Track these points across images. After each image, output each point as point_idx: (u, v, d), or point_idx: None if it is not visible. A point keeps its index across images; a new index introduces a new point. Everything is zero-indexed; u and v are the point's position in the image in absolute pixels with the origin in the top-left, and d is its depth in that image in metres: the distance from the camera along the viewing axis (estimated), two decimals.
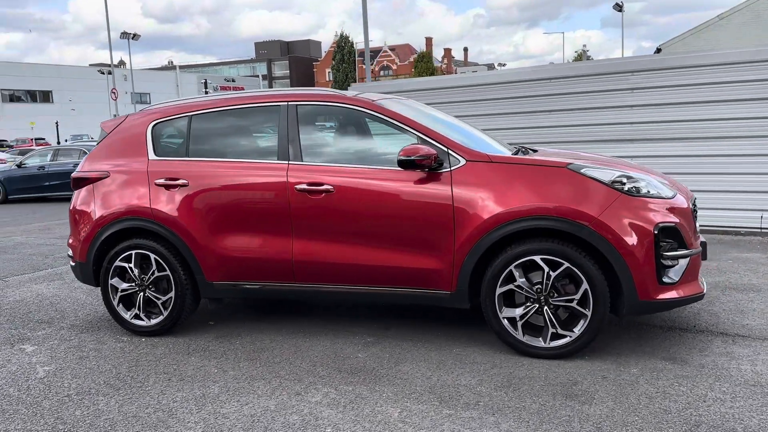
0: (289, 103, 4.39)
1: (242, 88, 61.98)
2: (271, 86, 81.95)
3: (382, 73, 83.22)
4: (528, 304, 3.82)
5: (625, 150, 8.00)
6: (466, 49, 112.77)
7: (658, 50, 25.42)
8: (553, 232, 3.76)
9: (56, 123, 41.17)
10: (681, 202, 3.88)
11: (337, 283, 4.20)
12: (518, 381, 3.54)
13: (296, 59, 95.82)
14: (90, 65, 75.18)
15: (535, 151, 5.04)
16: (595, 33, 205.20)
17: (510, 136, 8.76)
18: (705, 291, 3.93)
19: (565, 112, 8.49)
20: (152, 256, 4.49)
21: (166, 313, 4.53)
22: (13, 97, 48.59)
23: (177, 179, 4.45)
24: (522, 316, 3.84)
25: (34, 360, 4.22)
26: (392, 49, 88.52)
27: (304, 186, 4.16)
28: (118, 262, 4.59)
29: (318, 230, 4.19)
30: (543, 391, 3.40)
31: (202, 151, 4.56)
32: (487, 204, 3.84)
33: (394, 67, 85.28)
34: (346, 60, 64.83)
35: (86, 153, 15.61)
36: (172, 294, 4.49)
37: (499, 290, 3.85)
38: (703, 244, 4.04)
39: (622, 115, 8.12)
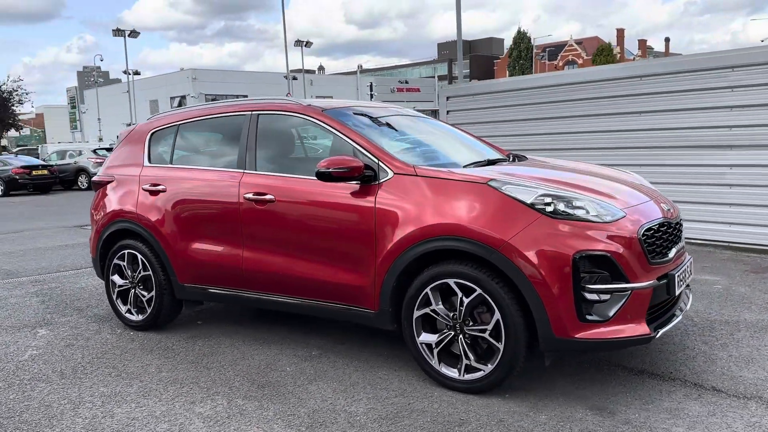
0: (252, 112, 4.46)
1: (417, 90, 63.21)
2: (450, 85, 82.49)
3: (566, 68, 79.79)
4: (445, 330, 3.52)
5: (725, 158, 6.98)
6: (667, 40, 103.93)
7: None
8: (470, 255, 3.42)
9: None
10: (625, 227, 3.30)
11: (279, 293, 4.19)
12: (407, 414, 3.28)
13: (477, 58, 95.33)
14: (292, 71, 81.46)
15: (523, 159, 4.63)
16: None
17: (593, 141, 8.07)
18: (655, 334, 3.31)
19: (656, 114, 7.58)
20: (139, 256, 4.82)
21: (149, 311, 4.84)
22: (213, 101, 54.05)
23: (158, 185, 4.73)
24: (438, 344, 3.54)
25: (33, 343, 4.74)
26: (578, 42, 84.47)
27: (251, 195, 4.21)
28: (116, 260, 4.99)
29: (262, 239, 4.22)
30: (423, 427, 3.12)
31: (183, 159, 4.80)
32: (405, 221, 3.60)
33: (580, 61, 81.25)
34: (524, 56, 63.16)
35: None
36: (153, 293, 4.78)
37: (416, 313, 3.59)
38: (669, 278, 3.41)
39: (720, 117, 7.06)
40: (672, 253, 3.54)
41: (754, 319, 4.59)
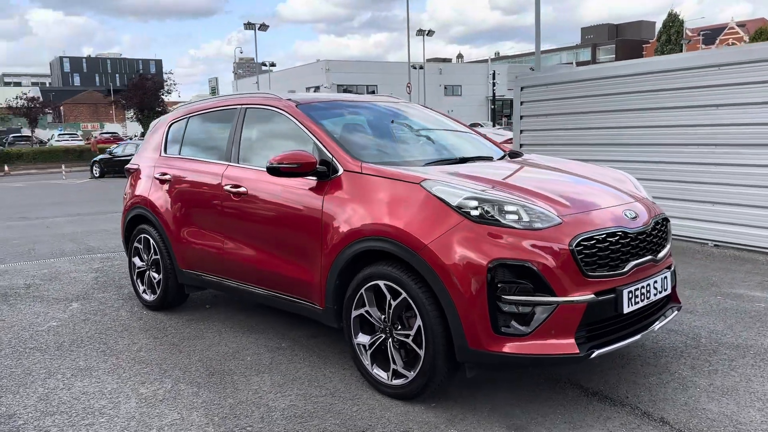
0: (242, 106, 4.58)
1: None
2: None
3: None
4: (378, 333, 3.44)
5: None
6: None
7: None
8: (397, 257, 3.30)
9: None
10: (556, 236, 3.02)
11: (251, 283, 4.28)
12: (322, 414, 3.24)
13: (624, 42, 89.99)
14: (428, 60, 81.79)
15: (518, 155, 4.39)
16: None
17: (676, 136, 7.41)
18: (588, 354, 3.01)
19: (749, 108, 6.79)
20: (151, 241, 5.14)
21: (158, 292, 5.15)
22: (347, 91, 55.82)
23: (166, 174, 5.01)
24: (370, 345, 3.47)
25: (59, 315, 5.21)
26: (741, 24, 77.00)
27: (229, 187, 4.33)
28: (135, 243, 5.36)
29: (237, 230, 4.33)
30: (326, 430, 3.08)
31: (187, 150, 5.04)
32: (345, 219, 3.55)
33: (742, 44, 74.18)
34: (673, 41, 58.67)
35: None
36: (161, 276, 5.08)
37: (354, 313, 3.53)
38: (617, 293, 3.08)
39: None
40: (628, 267, 3.19)
41: None
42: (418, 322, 3.18)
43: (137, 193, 5.30)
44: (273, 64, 52.27)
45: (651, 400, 3.29)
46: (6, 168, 32.12)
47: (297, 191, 3.85)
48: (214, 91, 65.24)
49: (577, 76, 8.84)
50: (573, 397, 3.36)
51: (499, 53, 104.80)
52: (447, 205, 3.15)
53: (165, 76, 44.98)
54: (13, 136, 49.18)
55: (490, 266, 2.97)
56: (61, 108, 77.84)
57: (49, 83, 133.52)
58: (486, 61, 70.00)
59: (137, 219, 5.32)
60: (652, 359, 3.84)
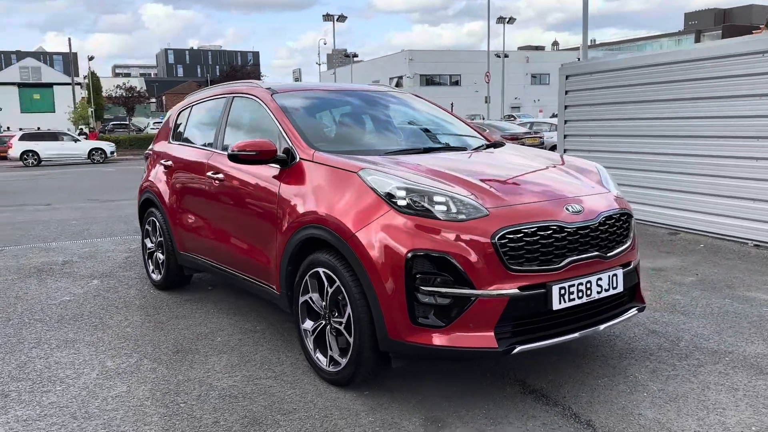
0: (230, 95, 4.72)
1: None
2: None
3: None
4: (320, 320, 3.49)
5: None
6: None
7: None
8: (332, 245, 3.33)
9: (451, 104, 45.70)
10: (479, 228, 2.95)
11: (229, 266, 4.43)
12: (256, 396, 3.33)
13: (732, 28, 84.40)
14: (519, 48, 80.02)
15: (499, 145, 4.32)
16: None
17: (726, 127, 6.99)
18: (509, 349, 2.93)
19: None
20: (157, 223, 5.40)
21: (162, 273, 5.42)
22: (429, 81, 55.66)
23: (168, 161, 5.25)
24: (313, 331, 3.52)
25: (77, 291, 5.58)
26: None
27: (211, 173, 4.49)
28: (146, 225, 5.65)
29: (217, 214, 4.49)
30: (252, 411, 3.17)
31: (189, 137, 5.24)
32: (294, 206, 3.62)
33: None
34: None
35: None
36: (164, 257, 5.34)
37: (301, 299, 3.60)
38: (547, 289, 2.98)
39: None
40: (564, 262, 3.07)
41: (755, 353, 3.74)
42: (348, 309, 3.20)
43: (148, 178, 5.58)
44: (355, 55, 52.91)
45: (589, 402, 3.15)
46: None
47: (262, 178, 3.95)
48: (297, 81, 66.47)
49: (619, 64, 8.44)
50: (510, 393, 3.28)
51: (595, 40, 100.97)
52: (377, 195, 3.14)
53: (251, 68, 46.47)
54: (113, 124, 52.47)
55: (408, 256, 2.94)
56: (164, 98, 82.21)
57: (154, 74, 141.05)
58: (577, 48, 67.48)
59: (147, 203, 5.60)
60: (615, 360, 3.67)
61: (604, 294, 3.22)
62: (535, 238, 3.02)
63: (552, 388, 3.32)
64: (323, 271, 3.36)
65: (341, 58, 70.82)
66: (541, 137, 20.22)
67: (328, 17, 44.59)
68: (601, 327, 3.26)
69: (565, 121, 9.45)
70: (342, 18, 44.93)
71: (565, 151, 9.48)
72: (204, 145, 4.85)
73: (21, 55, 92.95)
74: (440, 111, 4.89)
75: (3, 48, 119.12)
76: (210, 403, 3.26)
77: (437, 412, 3.09)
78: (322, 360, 3.47)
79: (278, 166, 3.84)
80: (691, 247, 6.72)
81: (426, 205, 3.04)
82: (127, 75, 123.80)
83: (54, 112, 55.03)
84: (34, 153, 27.55)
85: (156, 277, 5.55)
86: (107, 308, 5.01)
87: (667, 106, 7.70)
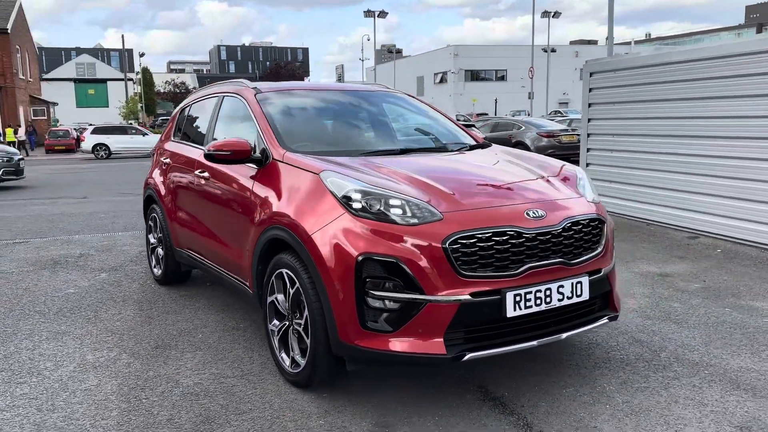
0: (221, 94, 4.77)
1: None
2: None
3: None
4: (284, 320, 3.50)
5: None
6: None
7: None
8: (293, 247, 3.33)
9: (495, 100, 45.24)
10: (430, 233, 2.90)
11: (216, 264, 4.48)
12: (217, 394, 3.37)
13: None
14: (570, 42, 78.28)
15: (484, 147, 4.26)
16: None
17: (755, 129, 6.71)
18: (458, 355, 2.88)
19: None
20: (157, 219, 5.52)
21: (162, 268, 5.53)
22: (474, 76, 55.10)
23: (167, 158, 5.35)
24: (278, 332, 3.54)
25: (84, 283, 5.75)
26: None
27: (198, 171, 4.56)
28: (149, 221, 5.78)
29: (203, 212, 4.55)
30: (209, 408, 3.20)
31: (185, 135, 5.32)
32: (263, 207, 3.64)
33: None
34: None
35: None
36: (164, 252, 5.45)
37: (268, 299, 3.62)
38: (500, 295, 2.92)
39: None
40: (522, 269, 2.99)
41: (738, 366, 3.57)
42: (306, 311, 3.20)
43: (151, 174, 5.70)
44: (398, 51, 52.74)
45: (546, 412, 3.07)
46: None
47: (240, 178, 3.98)
48: (339, 78, 66.66)
49: (643, 61, 8.17)
50: (468, 400, 3.22)
51: (650, 34, 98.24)
52: (334, 197, 3.13)
53: (295, 64, 47.04)
54: (162, 118, 53.80)
55: (359, 260, 2.92)
56: None
57: (207, 70, 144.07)
58: (629, 43, 65.83)
59: (149, 199, 5.72)
60: (588, 369, 3.57)
61: (566, 302, 3.12)
62: (489, 244, 2.95)
63: (513, 397, 3.25)
64: (286, 272, 3.37)
65: (387, 54, 70.82)
66: (578, 134, 19.78)
67: (369, 13, 44.55)
68: (564, 335, 3.16)
69: (589, 120, 9.22)
70: (383, 14, 44.78)
71: (588, 150, 9.26)
72: (196, 143, 4.92)
73: (80, 51, 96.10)
74: (432, 111, 4.84)
75: (64, 45, 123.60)
76: (171, 400, 3.31)
77: (389, 417, 3.06)
78: (285, 360, 3.48)
79: (255, 166, 3.86)
80: (707, 252, 6.47)
81: (381, 208, 3.01)
82: (181, 71, 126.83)
83: (107, 107, 56.87)
84: (105, 146, 28.71)
85: (157, 272, 5.67)
86: (105, 302, 5.14)
87: (690, 105, 7.42)
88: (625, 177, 8.49)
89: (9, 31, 37.52)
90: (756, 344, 3.90)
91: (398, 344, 2.91)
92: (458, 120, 28.49)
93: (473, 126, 19.09)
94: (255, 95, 4.27)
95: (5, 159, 14.44)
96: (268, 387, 3.44)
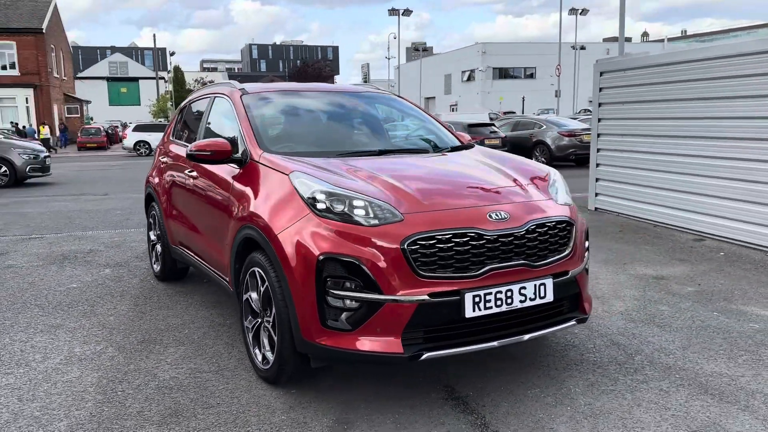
0: (213, 95, 4.88)
1: None
2: None
3: None
4: (257, 317, 3.58)
5: None
6: None
7: None
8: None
9: (522, 98, 44.83)
10: (390, 233, 2.95)
11: (205, 261, 4.59)
12: (189, 388, 3.46)
13: None
14: (603, 40, 77.20)
15: (467, 148, 4.29)
16: None
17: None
18: (415, 355, 2.92)
19: None
20: (156, 216, 5.66)
21: (160, 264, 5.67)
22: (503, 74, 54.68)
23: (164, 157, 5.48)
24: (252, 328, 3.62)
25: (87, 278, 5.92)
26: None
27: (187, 170, 4.68)
28: (149, 218, 5.93)
29: (193, 210, 4.66)
30: (178, 402, 3.30)
31: (180, 135, 5.45)
32: (239, 206, 3.72)
33: None
34: None
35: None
36: (161, 249, 5.59)
37: (244, 296, 3.70)
38: (460, 295, 2.95)
39: None
40: (482, 270, 3.02)
41: (710, 371, 3.54)
42: (274, 308, 3.28)
43: (150, 173, 5.84)
44: (425, 49, 52.56)
45: (506, 413, 3.10)
46: None
47: (222, 177, 4.08)
48: (365, 78, 66.56)
49: (652, 60, 8.07)
50: (433, 398, 3.26)
51: (686, 31, 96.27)
52: (301, 197, 3.20)
53: (323, 63, 47.42)
54: None
55: (320, 259, 2.98)
56: None
57: (238, 69, 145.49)
58: (662, 40, 64.62)
59: (149, 197, 5.86)
60: (559, 371, 3.58)
61: (529, 303, 3.14)
62: (449, 245, 2.99)
63: (477, 396, 3.28)
64: (258, 271, 3.45)
65: (415, 52, 70.70)
66: None
67: (393, 12, 44.55)
68: (525, 337, 3.18)
69: (599, 119, 9.14)
70: (407, 12, 44.74)
71: (598, 150, 9.18)
72: (188, 142, 5.03)
73: (115, 50, 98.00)
74: (419, 113, 4.87)
75: (101, 44, 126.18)
76: (145, 393, 3.42)
77: (351, 414, 3.12)
78: (258, 356, 3.56)
79: (237, 166, 3.95)
80: (710, 255, 6.38)
81: (345, 209, 3.06)
82: (214, 69, 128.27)
83: (139, 105, 57.95)
84: (146, 143, 29.42)
85: (156, 268, 5.81)
86: (103, 297, 5.29)
87: (699, 105, 7.31)
88: (634, 178, 8.40)
89: (44, 31, 38.46)
90: (735, 349, 3.86)
91: (357, 343, 2.96)
92: (490, 117, 28.44)
93: (493, 125, 18.96)
94: (240, 96, 4.36)
95: (32, 156, 14.85)
96: (240, 383, 3.52)
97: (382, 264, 2.92)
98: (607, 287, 5.26)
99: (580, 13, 42.28)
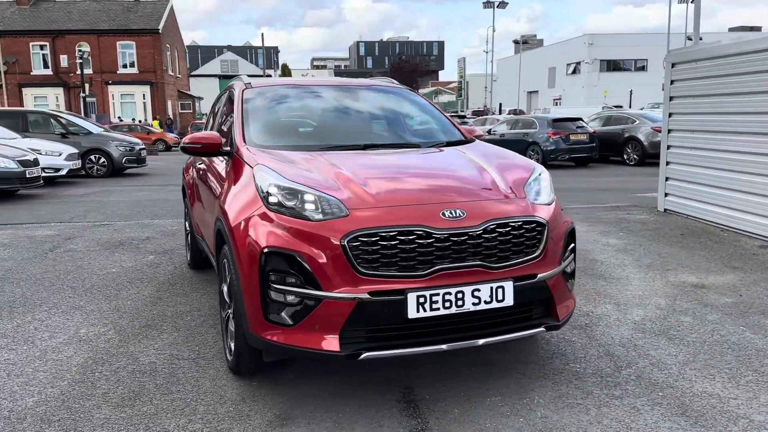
0: (228, 89, 4.99)
1: None
2: None
3: None
4: (227, 309, 3.63)
5: None
6: None
7: None
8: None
9: (630, 91, 42.56)
10: (332, 229, 2.89)
11: (210, 252, 4.71)
12: (167, 379, 3.54)
13: None
14: (729, 29, 72.18)
15: (467, 143, 4.17)
16: None
17: None
18: (354, 353, 2.85)
19: None
20: (185, 208, 5.88)
21: (190, 253, 5.90)
22: (612, 66, 52.13)
23: None
24: (225, 319, 3.67)
25: (129, 264, 6.24)
26: None
27: (198, 162, 4.83)
28: (185, 209, 6.17)
29: (202, 201, 4.79)
30: (146, 389, 3.40)
31: (207, 127, 5.61)
32: (218, 198, 3.79)
33: None
34: None
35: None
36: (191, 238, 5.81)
37: (220, 288, 3.76)
38: (403, 295, 2.86)
39: None
40: (430, 270, 2.89)
41: (700, 391, 3.19)
42: (233, 301, 3.31)
43: (185, 166, 6.07)
44: (525, 42, 51.19)
45: (453, 419, 2.96)
46: None
47: (218, 169, 4.17)
48: (461, 73, 65.08)
49: (723, 50, 7.41)
50: (386, 399, 3.18)
51: None
52: (258, 191, 3.20)
53: (421, 58, 47.28)
54: None
55: (264, 252, 2.97)
56: None
57: (345, 66, 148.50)
58: (760, 28, 59.18)
59: (183, 189, 6.09)
60: (531, 380, 3.37)
61: (484, 306, 2.97)
62: (393, 243, 2.88)
63: (432, 400, 3.15)
64: (225, 262, 3.49)
65: (522, 45, 68.97)
66: None
67: (487, 4, 43.57)
68: (480, 342, 3.02)
69: (670, 114, 8.52)
70: (503, 4, 43.65)
71: (668, 147, 8.56)
72: None
73: (231, 49, 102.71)
74: (427, 107, 4.73)
75: (218, 43, 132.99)
76: (119, 375, 3.55)
77: (296, 410, 3.09)
78: (227, 347, 3.60)
79: (227, 159, 4.01)
80: None
81: (297, 203, 3.04)
82: (323, 67, 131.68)
83: None
84: None
85: (188, 257, 6.03)
86: (133, 281, 5.56)
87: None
88: (704, 178, 7.76)
89: (160, 32, 41.06)
90: (743, 368, 3.47)
91: (296, 338, 2.93)
92: (603, 109, 27.26)
93: (581, 119, 18.12)
94: (242, 90, 4.43)
95: (128, 148, 15.89)
96: (208, 371, 3.58)
97: (322, 260, 2.87)
98: (634, 294, 4.89)
99: (691, 2, 39.45)
